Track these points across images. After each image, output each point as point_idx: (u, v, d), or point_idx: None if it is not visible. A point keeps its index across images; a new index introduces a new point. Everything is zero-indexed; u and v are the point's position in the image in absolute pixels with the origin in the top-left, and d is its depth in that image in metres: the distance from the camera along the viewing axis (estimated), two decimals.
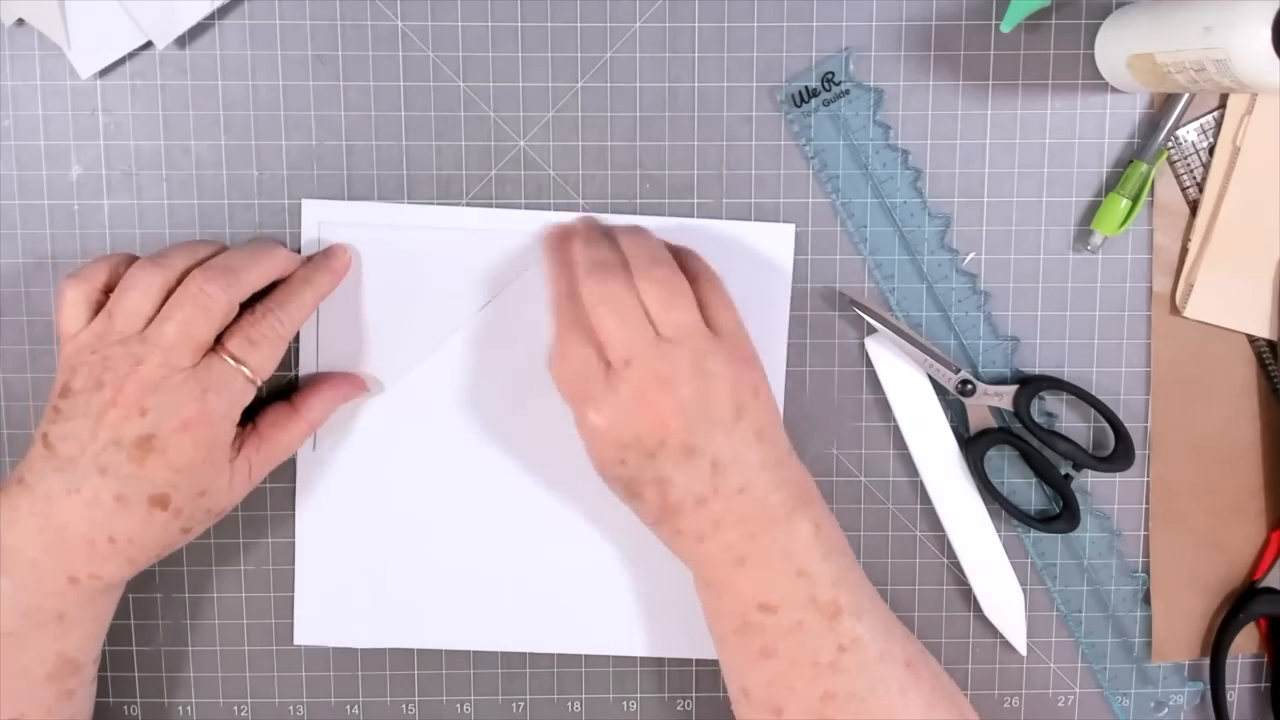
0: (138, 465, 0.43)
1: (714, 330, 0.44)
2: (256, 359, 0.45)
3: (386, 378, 0.51)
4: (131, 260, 0.46)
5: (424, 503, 0.52)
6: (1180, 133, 0.50)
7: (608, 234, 0.47)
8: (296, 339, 0.51)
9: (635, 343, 0.43)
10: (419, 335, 0.51)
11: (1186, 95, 0.49)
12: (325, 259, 0.50)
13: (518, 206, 0.51)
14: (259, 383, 0.46)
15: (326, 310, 0.51)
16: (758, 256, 0.51)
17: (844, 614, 0.44)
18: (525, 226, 0.51)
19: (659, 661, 0.53)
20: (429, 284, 0.51)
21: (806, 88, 0.50)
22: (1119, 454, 0.51)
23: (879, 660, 0.44)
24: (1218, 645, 0.52)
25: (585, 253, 0.45)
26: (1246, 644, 0.53)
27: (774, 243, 0.51)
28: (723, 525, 0.44)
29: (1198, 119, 0.50)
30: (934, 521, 0.52)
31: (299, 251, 0.50)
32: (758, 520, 0.44)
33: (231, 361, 0.45)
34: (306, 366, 0.51)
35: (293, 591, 0.52)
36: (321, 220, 0.50)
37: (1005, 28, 0.49)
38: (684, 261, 0.47)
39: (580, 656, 0.53)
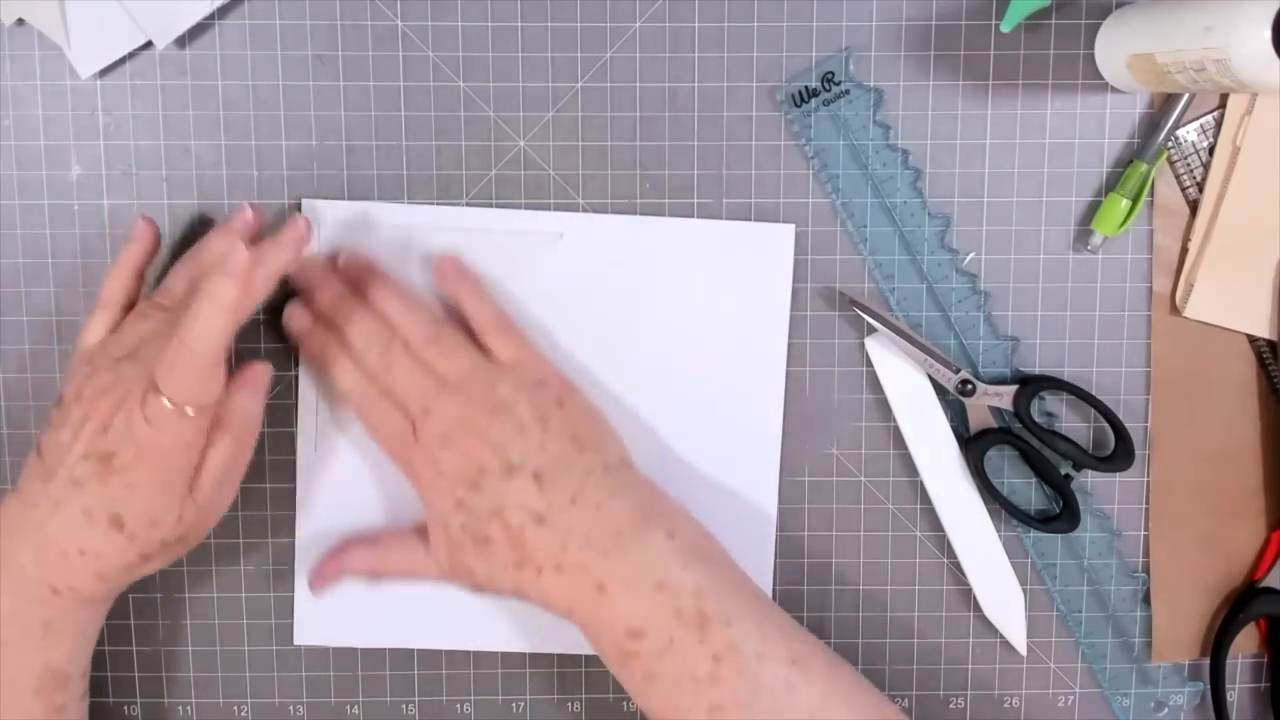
0: (101, 482, 0.43)
1: (497, 361, 0.47)
2: (180, 392, 0.42)
3: None
4: (140, 269, 0.48)
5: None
6: (1180, 133, 0.50)
7: (352, 291, 0.48)
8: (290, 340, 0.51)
9: (427, 394, 0.46)
10: None
11: (1186, 95, 0.49)
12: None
13: (518, 206, 0.51)
14: (190, 412, 0.43)
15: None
16: (758, 256, 0.51)
17: (712, 622, 0.43)
18: (526, 226, 0.50)
19: None
20: (430, 284, 0.51)
21: (806, 88, 0.50)
22: (1119, 454, 0.51)
23: (759, 663, 0.43)
24: (1218, 645, 0.52)
25: (353, 330, 0.47)
26: (1246, 644, 0.53)
27: (774, 243, 0.51)
28: (570, 546, 0.44)
29: (1198, 119, 0.50)
30: (934, 521, 0.52)
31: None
32: (604, 534, 0.44)
33: (165, 400, 0.43)
34: (306, 367, 0.51)
35: (293, 591, 0.52)
36: (321, 220, 0.50)
37: (1005, 28, 0.49)
38: (452, 286, 0.49)
39: (580, 656, 0.53)
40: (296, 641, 0.53)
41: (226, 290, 0.42)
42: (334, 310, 0.48)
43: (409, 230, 0.50)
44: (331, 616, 0.52)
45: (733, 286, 0.50)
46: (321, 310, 0.48)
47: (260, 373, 0.47)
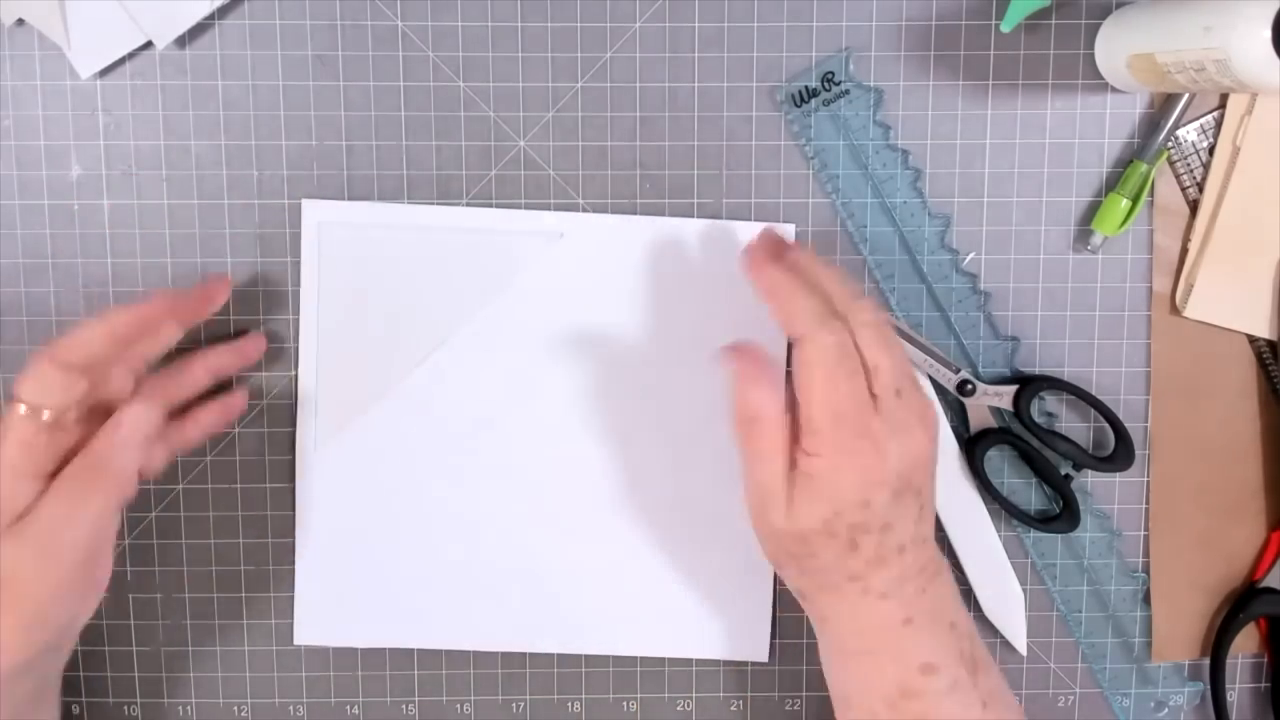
0: None
1: None
2: (34, 389, 0.43)
3: (387, 378, 0.51)
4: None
5: (424, 502, 0.52)
6: (1180, 133, 0.50)
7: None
8: (296, 339, 0.51)
9: (901, 375, 0.43)
10: (420, 336, 0.51)
11: (1186, 95, 0.49)
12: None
13: (518, 206, 0.51)
14: (45, 416, 0.42)
15: (326, 311, 0.51)
16: None
17: (980, 667, 0.43)
18: (526, 226, 0.50)
19: (659, 661, 0.53)
20: (430, 284, 0.51)
21: (806, 88, 0.50)
22: (1119, 454, 0.51)
23: (1012, 713, 0.44)
24: (1218, 645, 0.52)
25: (841, 286, 0.44)
26: (1246, 644, 0.53)
27: None
28: (905, 579, 0.43)
29: (1198, 119, 0.50)
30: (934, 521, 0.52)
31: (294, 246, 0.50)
32: (926, 573, 0.44)
33: (20, 406, 0.42)
34: (306, 367, 0.51)
35: (293, 591, 0.52)
36: (321, 220, 0.50)
37: (1005, 28, 0.49)
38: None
39: (580, 656, 0.53)
40: (297, 641, 0.53)
41: (116, 311, 0.44)
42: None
43: (409, 231, 0.50)
44: (331, 616, 0.52)
45: (732, 286, 0.50)
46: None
47: (136, 416, 0.44)
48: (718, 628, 0.53)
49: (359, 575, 0.52)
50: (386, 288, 0.51)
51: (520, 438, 0.52)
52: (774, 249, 0.46)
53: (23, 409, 0.42)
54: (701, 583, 0.52)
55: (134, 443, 0.44)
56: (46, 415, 0.42)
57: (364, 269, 0.51)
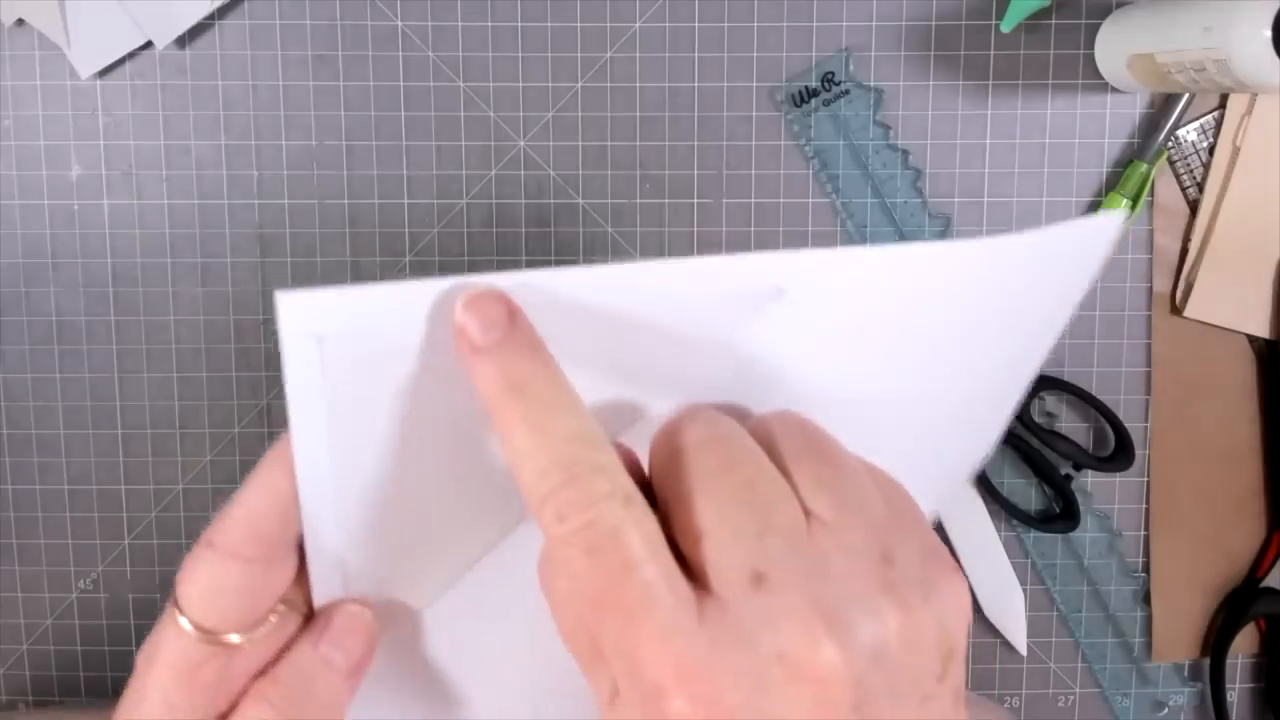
0: None
1: None
2: (206, 605, 0.26)
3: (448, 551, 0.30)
4: None
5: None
6: (1180, 133, 0.50)
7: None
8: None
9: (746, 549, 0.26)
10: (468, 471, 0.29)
11: (1186, 95, 0.49)
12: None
13: (518, 207, 0.51)
14: (234, 638, 0.27)
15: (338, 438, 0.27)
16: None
17: None
18: (725, 281, 0.26)
19: None
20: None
21: (806, 88, 0.50)
22: (1119, 454, 0.51)
23: None
24: (1218, 645, 0.52)
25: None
26: (1246, 644, 0.53)
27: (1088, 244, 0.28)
28: None
29: (1198, 119, 0.50)
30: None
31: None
32: None
33: (181, 619, 0.26)
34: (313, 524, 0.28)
35: None
36: (319, 332, 0.25)
37: (1005, 28, 0.49)
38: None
39: None
40: None
41: (281, 453, 0.27)
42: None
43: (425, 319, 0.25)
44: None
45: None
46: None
47: (355, 617, 0.28)
48: None
49: None
50: (411, 404, 0.27)
51: None
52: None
53: (186, 624, 0.26)
54: None
55: (354, 658, 0.28)
56: (235, 639, 0.27)
57: (390, 392, 0.26)
